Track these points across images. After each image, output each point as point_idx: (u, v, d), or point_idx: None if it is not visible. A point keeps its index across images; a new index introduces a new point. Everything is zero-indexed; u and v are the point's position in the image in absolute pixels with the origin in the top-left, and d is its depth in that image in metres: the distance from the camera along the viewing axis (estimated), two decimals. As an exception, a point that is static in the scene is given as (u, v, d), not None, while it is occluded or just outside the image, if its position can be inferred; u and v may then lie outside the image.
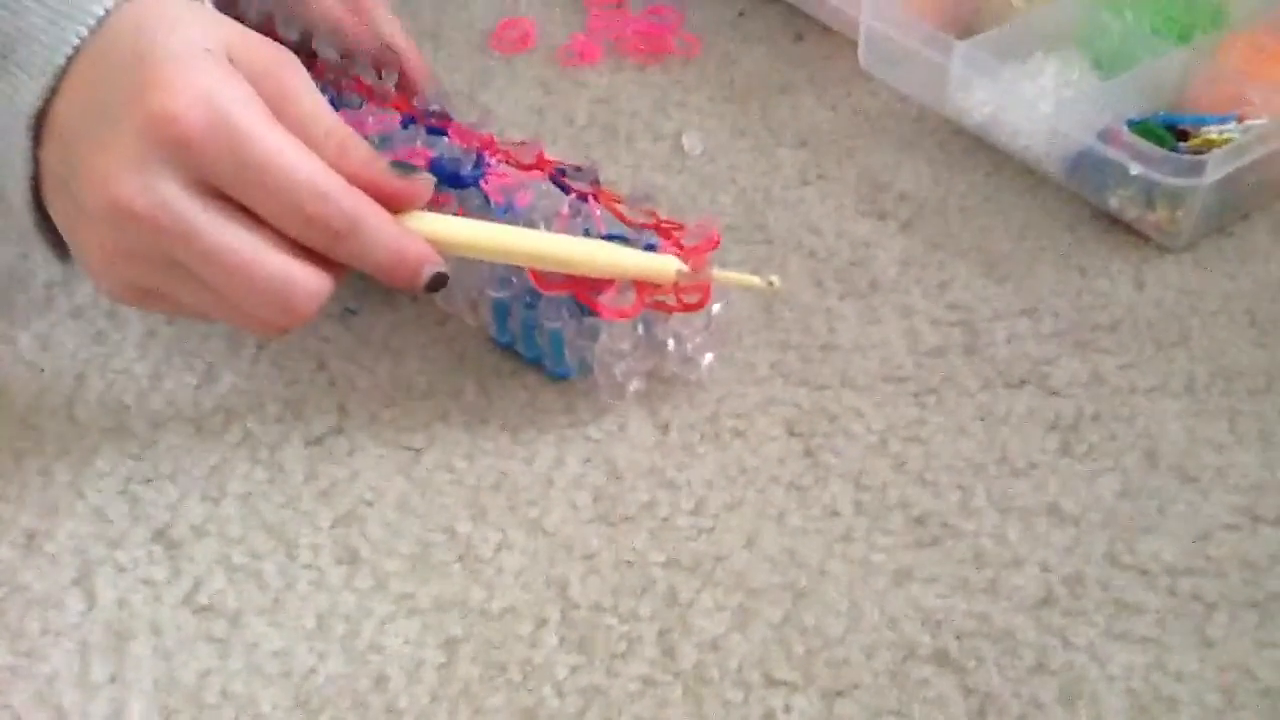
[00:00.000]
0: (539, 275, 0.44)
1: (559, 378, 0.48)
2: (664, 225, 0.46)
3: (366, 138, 0.43)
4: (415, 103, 0.51)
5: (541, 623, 0.41)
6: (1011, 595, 0.41)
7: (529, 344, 0.48)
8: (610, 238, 0.46)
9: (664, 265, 0.44)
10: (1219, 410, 0.47)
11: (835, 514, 0.44)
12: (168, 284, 0.41)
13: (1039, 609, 0.40)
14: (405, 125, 0.50)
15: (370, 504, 0.44)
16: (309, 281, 0.40)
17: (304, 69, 0.41)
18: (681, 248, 0.45)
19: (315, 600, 0.41)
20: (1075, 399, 0.47)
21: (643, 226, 0.46)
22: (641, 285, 0.44)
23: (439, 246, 0.42)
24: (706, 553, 0.43)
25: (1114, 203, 0.55)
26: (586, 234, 0.46)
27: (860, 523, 0.43)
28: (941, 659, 0.39)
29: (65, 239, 0.42)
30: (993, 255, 0.54)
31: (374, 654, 0.40)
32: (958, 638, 0.40)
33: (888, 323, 0.51)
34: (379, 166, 0.41)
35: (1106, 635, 0.40)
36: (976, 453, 0.46)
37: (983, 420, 0.47)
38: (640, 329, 0.46)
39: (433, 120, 0.50)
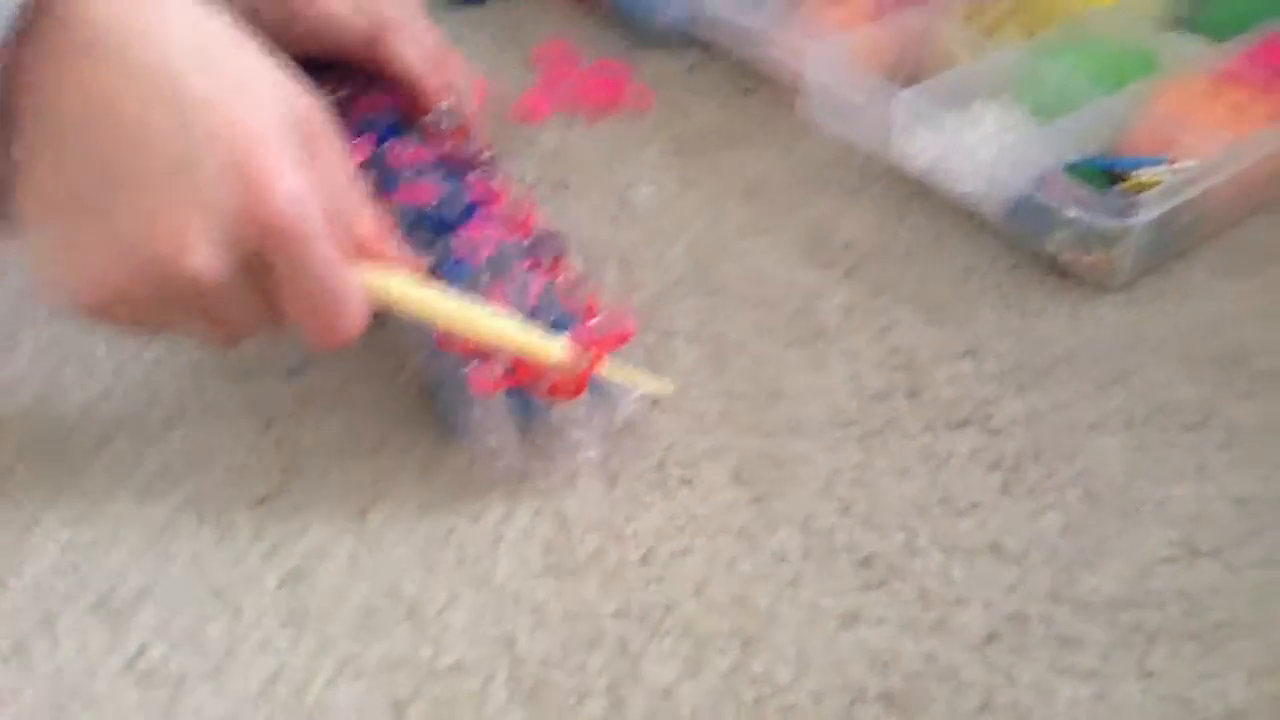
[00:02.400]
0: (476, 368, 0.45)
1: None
2: (591, 309, 0.46)
3: (400, 169, 0.50)
4: (456, 146, 0.53)
5: (489, 678, 0.41)
6: (957, 634, 0.41)
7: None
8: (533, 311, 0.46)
9: (547, 348, 0.44)
10: (1156, 445, 0.47)
11: (783, 560, 0.44)
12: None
13: (984, 647, 0.41)
14: (440, 169, 0.52)
15: (318, 561, 0.44)
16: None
17: (332, 124, 0.42)
18: (590, 336, 0.45)
19: (260, 663, 0.41)
20: (1016, 438, 0.48)
21: (572, 311, 0.46)
22: (521, 364, 0.44)
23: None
24: (656, 602, 0.43)
25: (1052, 246, 0.56)
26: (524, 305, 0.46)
27: (808, 567, 0.44)
28: (889, 700, 0.39)
29: (38, 222, 0.39)
30: (934, 299, 0.55)
31: (320, 716, 0.40)
32: (905, 678, 0.40)
33: (833, 369, 0.51)
34: (383, 232, 0.43)
35: (1051, 670, 0.40)
36: (920, 494, 0.46)
37: (926, 462, 0.47)
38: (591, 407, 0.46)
39: (462, 164, 0.52)
